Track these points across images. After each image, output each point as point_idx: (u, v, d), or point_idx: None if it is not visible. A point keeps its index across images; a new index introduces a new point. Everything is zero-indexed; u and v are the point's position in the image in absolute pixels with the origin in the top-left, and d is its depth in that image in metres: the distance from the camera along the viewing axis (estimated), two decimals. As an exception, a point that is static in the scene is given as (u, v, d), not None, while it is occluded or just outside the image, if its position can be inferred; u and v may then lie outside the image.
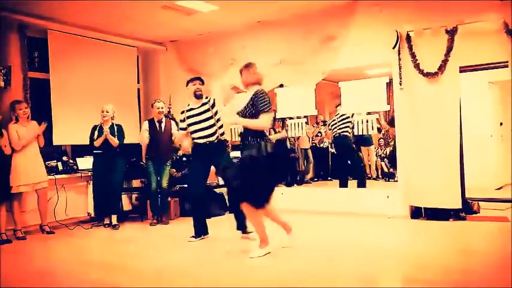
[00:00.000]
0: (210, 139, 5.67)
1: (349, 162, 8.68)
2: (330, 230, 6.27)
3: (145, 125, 7.24)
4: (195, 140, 5.77)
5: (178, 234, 6.21)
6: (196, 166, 5.85)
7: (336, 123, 8.56)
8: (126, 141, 7.15)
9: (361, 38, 6.74)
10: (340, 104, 7.76)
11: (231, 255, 5.04)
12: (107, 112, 6.95)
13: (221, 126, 5.75)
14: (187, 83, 5.81)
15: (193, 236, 5.73)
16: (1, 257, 5.23)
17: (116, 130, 6.95)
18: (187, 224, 6.86)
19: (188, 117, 5.75)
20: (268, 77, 7.18)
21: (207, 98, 5.78)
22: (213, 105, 5.72)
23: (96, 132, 6.90)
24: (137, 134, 8.32)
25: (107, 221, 7.07)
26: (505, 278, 3.79)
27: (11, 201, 6.23)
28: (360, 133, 7.70)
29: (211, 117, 5.68)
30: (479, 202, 6.75)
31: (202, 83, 5.79)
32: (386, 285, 3.93)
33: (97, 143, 6.87)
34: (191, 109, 5.76)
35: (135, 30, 8.00)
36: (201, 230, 5.78)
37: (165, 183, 7.18)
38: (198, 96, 5.72)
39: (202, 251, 5.31)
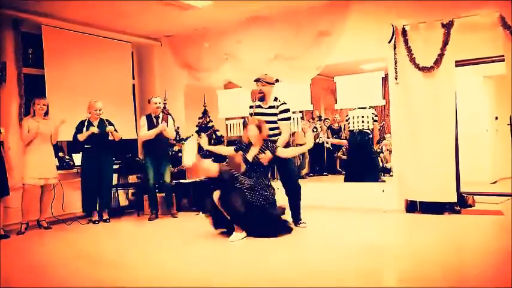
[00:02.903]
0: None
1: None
2: (325, 224, 6.28)
3: (143, 120, 7.22)
4: None
5: (179, 228, 6.24)
6: None
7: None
8: (123, 136, 7.28)
9: (356, 32, 6.72)
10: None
11: (228, 249, 5.06)
12: (100, 110, 6.98)
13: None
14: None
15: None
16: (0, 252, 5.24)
17: (108, 125, 7.02)
18: (185, 219, 6.91)
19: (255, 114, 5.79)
20: (263, 72, 7.17)
21: (276, 100, 5.74)
22: (281, 112, 5.73)
23: (84, 129, 6.88)
24: (133, 130, 8.33)
25: (95, 218, 7.05)
26: (501, 270, 3.82)
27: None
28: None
29: (275, 122, 5.73)
30: (474, 196, 6.78)
31: (267, 83, 5.74)
32: (382, 278, 3.94)
33: (81, 138, 6.86)
34: (259, 106, 5.81)
35: (129, 26, 7.96)
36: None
37: (168, 179, 7.23)
38: (260, 99, 5.77)
39: (201, 245, 5.31)
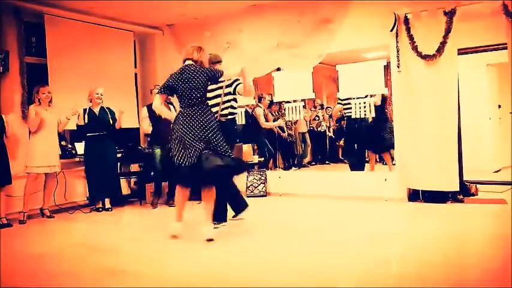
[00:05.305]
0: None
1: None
2: (328, 213, 6.30)
3: (145, 112, 7.21)
4: None
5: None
6: None
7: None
8: (124, 125, 7.34)
9: (358, 20, 6.70)
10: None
11: (220, 239, 5.07)
12: (102, 95, 7.02)
13: (228, 108, 5.61)
14: None
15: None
16: (1, 241, 5.25)
17: (109, 112, 7.08)
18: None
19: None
20: (265, 61, 7.14)
21: (237, 79, 5.62)
22: (228, 86, 5.57)
23: (86, 116, 6.94)
24: (135, 119, 8.32)
25: (98, 205, 7.09)
26: (504, 260, 3.82)
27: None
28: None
29: (218, 96, 5.60)
30: (477, 184, 6.78)
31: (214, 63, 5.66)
32: (383, 267, 3.94)
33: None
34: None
35: (131, 14, 7.93)
36: (221, 216, 5.47)
37: None
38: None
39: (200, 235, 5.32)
